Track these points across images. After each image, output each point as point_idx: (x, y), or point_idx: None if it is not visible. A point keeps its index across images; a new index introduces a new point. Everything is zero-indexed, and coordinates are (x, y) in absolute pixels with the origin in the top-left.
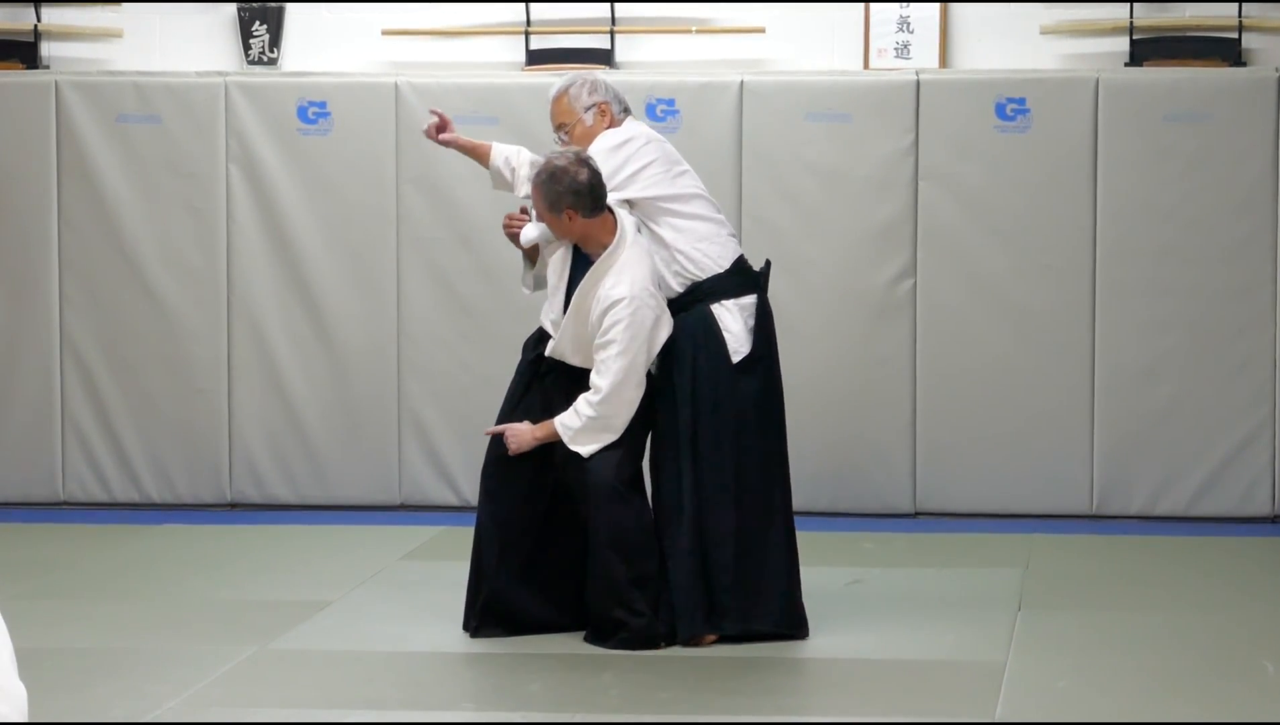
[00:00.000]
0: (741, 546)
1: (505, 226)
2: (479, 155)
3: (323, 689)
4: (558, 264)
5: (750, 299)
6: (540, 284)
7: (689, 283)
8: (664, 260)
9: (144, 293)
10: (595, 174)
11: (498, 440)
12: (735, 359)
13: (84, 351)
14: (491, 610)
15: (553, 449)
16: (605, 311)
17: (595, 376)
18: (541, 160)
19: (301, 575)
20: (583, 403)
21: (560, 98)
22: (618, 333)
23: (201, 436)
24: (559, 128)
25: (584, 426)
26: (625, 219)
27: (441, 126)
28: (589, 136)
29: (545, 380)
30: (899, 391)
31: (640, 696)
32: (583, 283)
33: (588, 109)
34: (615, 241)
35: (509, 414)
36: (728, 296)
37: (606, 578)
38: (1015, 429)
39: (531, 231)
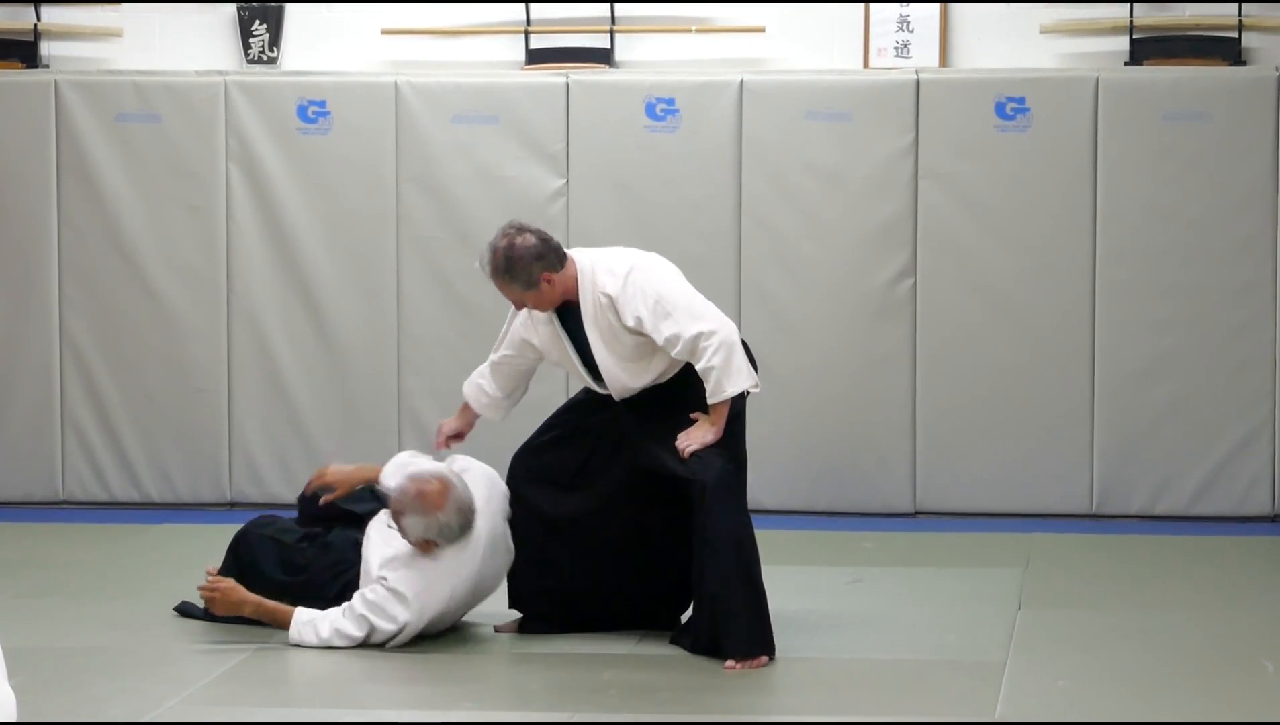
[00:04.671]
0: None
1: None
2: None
3: (322, 689)
4: (553, 339)
5: None
6: (513, 384)
7: None
8: None
9: (144, 293)
10: (535, 230)
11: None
12: None
13: (84, 351)
14: (566, 613)
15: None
16: (625, 295)
17: (691, 326)
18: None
19: None
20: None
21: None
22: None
23: (201, 436)
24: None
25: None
26: (574, 252)
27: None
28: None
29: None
30: (899, 391)
31: (640, 696)
32: (587, 314)
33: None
34: (579, 268)
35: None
36: None
37: (729, 575)
38: (1015, 429)
39: (394, 475)
